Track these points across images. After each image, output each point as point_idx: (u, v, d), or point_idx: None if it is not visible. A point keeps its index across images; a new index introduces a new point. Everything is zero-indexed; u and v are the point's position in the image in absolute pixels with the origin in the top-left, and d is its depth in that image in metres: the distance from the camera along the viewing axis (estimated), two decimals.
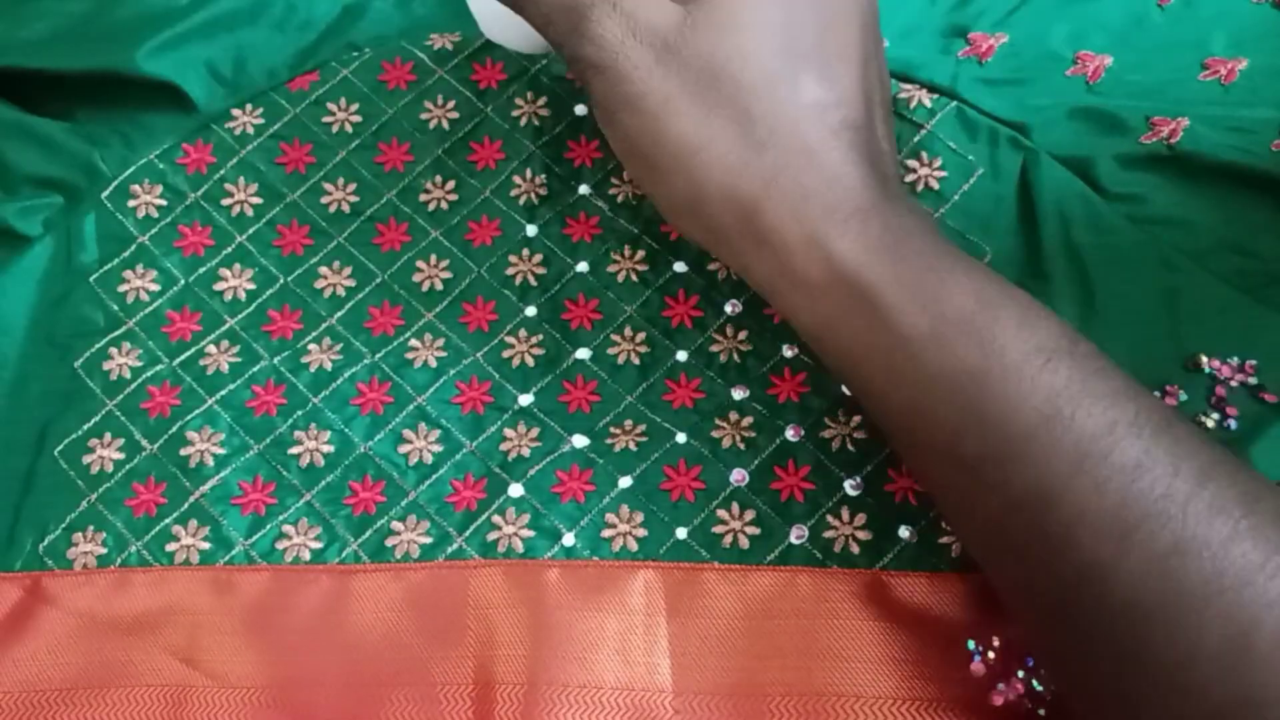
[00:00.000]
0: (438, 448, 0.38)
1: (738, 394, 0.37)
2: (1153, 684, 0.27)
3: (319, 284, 0.41)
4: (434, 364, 0.39)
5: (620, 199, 0.41)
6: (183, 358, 0.40)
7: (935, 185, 0.40)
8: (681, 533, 0.35)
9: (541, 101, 0.43)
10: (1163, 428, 0.28)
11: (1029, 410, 0.28)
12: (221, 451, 0.38)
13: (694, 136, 0.31)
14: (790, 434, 0.37)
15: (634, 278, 0.40)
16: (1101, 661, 0.28)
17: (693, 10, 0.31)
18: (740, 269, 0.33)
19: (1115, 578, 0.27)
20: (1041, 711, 0.31)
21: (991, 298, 0.29)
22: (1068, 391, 0.28)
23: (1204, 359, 0.36)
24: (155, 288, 0.41)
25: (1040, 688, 0.31)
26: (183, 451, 0.38)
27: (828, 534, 0.35)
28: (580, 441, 0.37)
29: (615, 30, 0.31)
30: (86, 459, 0.38)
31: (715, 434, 0.37)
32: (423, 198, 0.42)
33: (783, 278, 0.31)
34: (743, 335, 0.39)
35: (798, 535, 0.35)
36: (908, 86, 0.42)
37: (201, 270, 0.41)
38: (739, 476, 0.36)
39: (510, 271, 0.40)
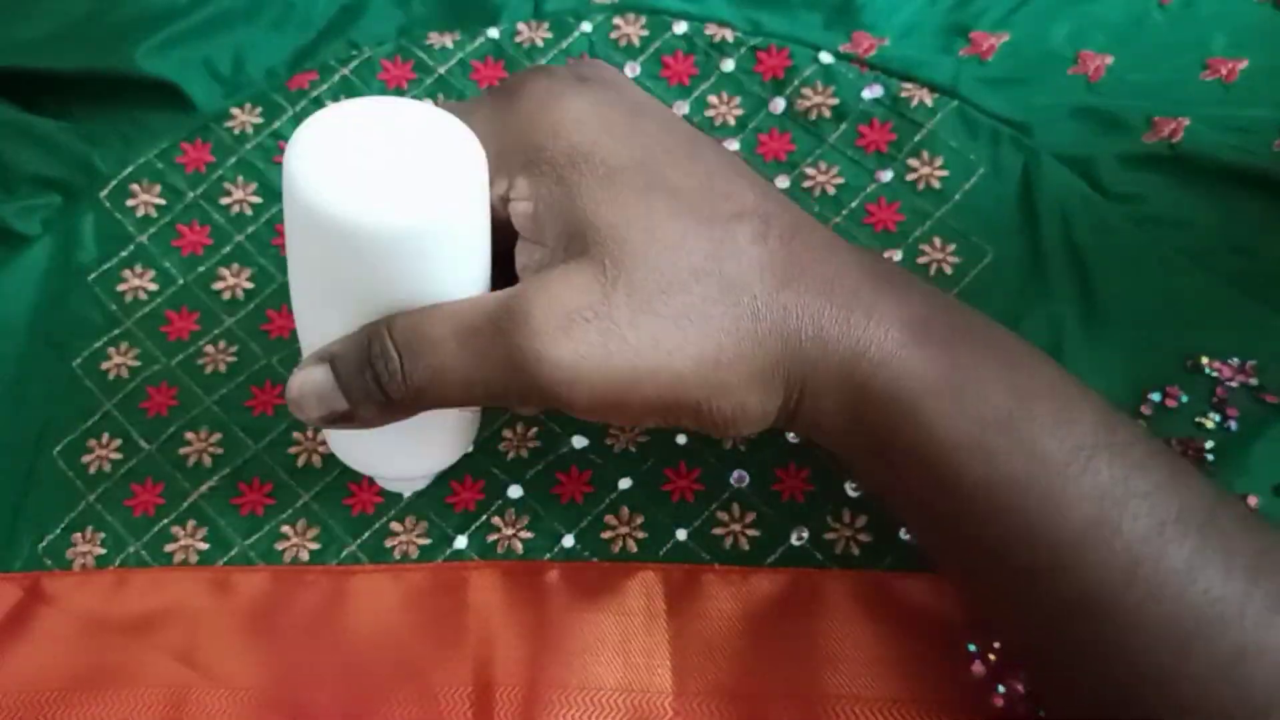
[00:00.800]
0: None
1: None
2: None
3: None
4: None
5: None
6: (181, 357, 0.40)
7: (936, 184, 0.40)
8: (681, 534, 0.35)
9: None
10: (1207, 521, 0.27)
11: (1077, 516, 0.27)
12: (220, 452, 0.38)
13: (705, 354, 0.28)
14: (791, 435, 0.36)
15: None
16: None
17: (597, 254, 0.28)
18: (795, 431, 0.31)
19: (1177, 684, 0.26)
20: (1041, 712, 0.31)
21: (1025, 390, 0.28)
22: (1113, 493, 0.27)
23: (1205, 360, 0.36)
24: (154, 287, 0.41)
25: None
26: (181, 452, 0.38)
27: (828, 536, 0.35)
28: (580, 442, 0.37)
29: (556, 332, 0.27)
30: (85, 459, 0.38)
31: None
32: None
33: (829, 420, 0.30)
34: None
35: (798, 537, 0.35)
36: (909, 85, 0.41)
37: (200, 269, 0.41)
38: (739, 478, 0.36)
39: None
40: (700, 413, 0.29)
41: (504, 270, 0.30)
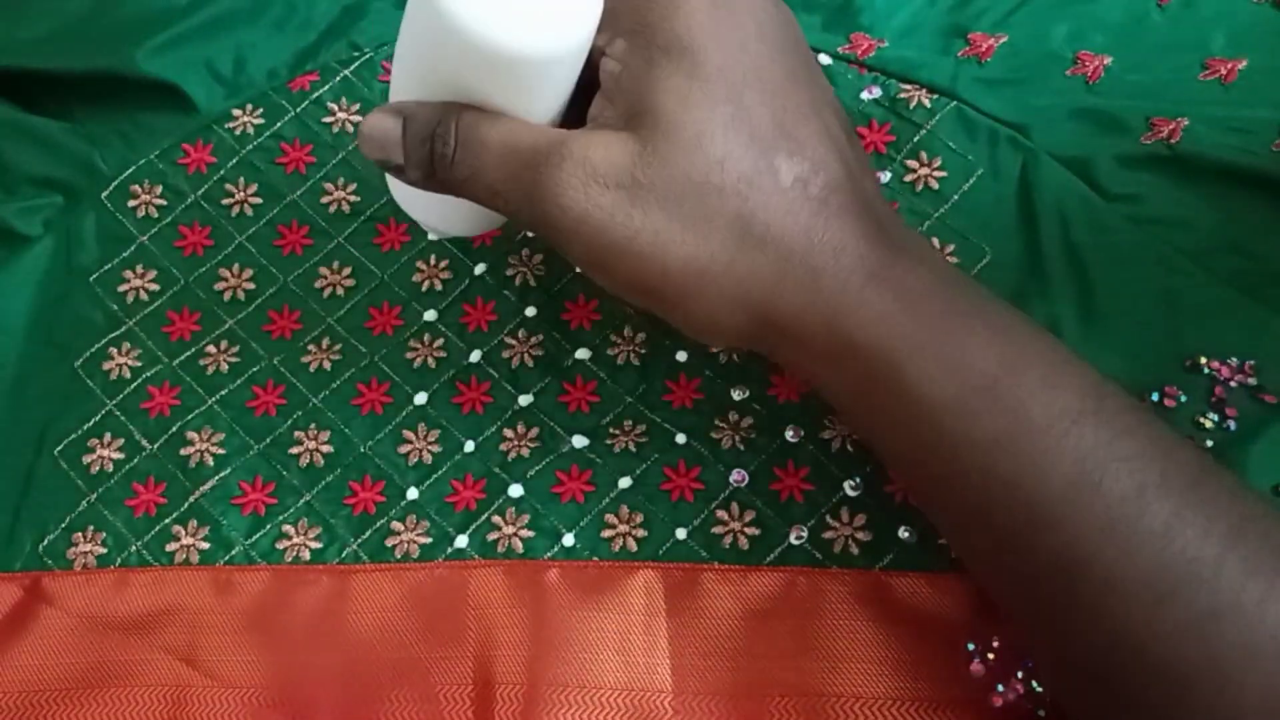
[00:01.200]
0: (437, 448, 0.38)
1: (737, 394, 0.37)
2: None
3: (319, 284, 0.41)
4: (433, 364, 0.39)
5: None
6: (183, 357, 0.40)
7: (935, 185, 0.40)
8: (681, 533, 0.35)
9: None
10: (1190, 486, 0.27)
11: (1057, 477, 0.27)
12: (221, 451, 0.38)
13: (697, 259, 0.29)
14: (790, 435, 0.37)
15: None
16: None
17: (646, 135, 0.30)
18: (766, 354, 0.32)
19: (1150, 643, 0.26)
20: (1041, 712, 0.31)
21: (1014, 359, 0.29)
22: (1094, 455, 0.27)
23: (1203, 360, 0.36)
24: (155, 288, 0.41)
25: (1040, 689, 0.31)
26: (183, 451, 0.38)
27: (827, 534, 0.35)
28: (580, 442, 0.37)
29: (576, 185, 0.29)
30: (86, 459, 0.38)
31: (715, 434, 0.37)
32: None
33: (808, 359, 0.30)
34: None
35: (797, 536, 0.35)
36: (907, 86, 0.42)
37: (202, 270, 0.41)
38: (739, 477, 0.36)
39: (510, 272, 0.40)
40: (672, 309, 0.31)
41: (578, 110, 0.32)
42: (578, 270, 0.40)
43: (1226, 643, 0.26)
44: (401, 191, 0.36)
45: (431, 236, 0.41)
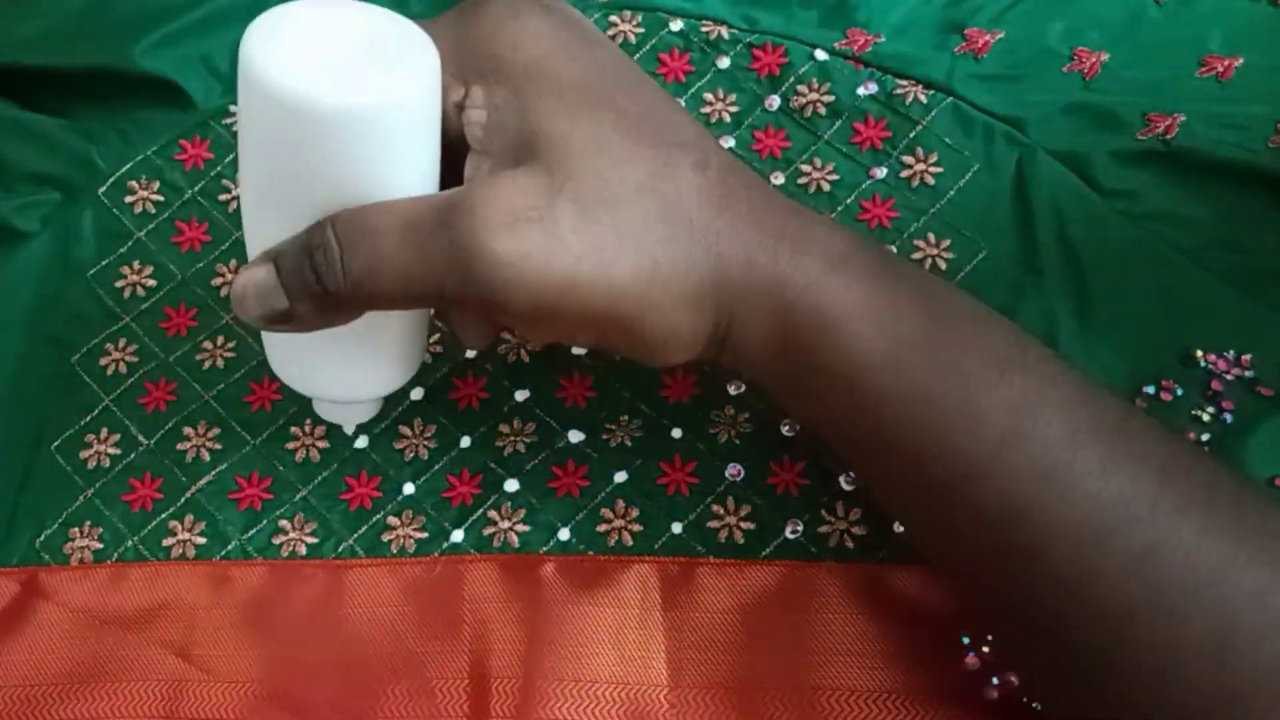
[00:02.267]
0: (433, 443, 0.38)
1: (733, 389, 0.37)
2: (1138, 684, 0.27)
3: None
4: (430, 359, 0.39)
5: None
6: (179, 353, 0.40)
7: (931, 181, 0.40)
8: (677, 527, 0.35)
9: None
10: (1118, 428, 0.28)
11: (990, 427, 0.28)
12: (218, 447, 0.38)
13: (643, 267, 0.28)
14: (785, 429, 0.37)
15: None
16: (1084, 667, 0.27)
17: (545, 160, 0.28)
18: (707, 359, 0.31)
19: (1093, 584, 0.27)
20: (1036, 705, 0.31)
21: (941, 314, 0.29)
22: (1025, 403, 0.28)
23: (1199, 353, 0.36)
24: (152, 283, 0.41)
25: None
26: (179, 447, 0.38)
27: (822, 529, 0.35)
28: (576, 437, 0.37)
29: (502, 228, 0.28)
30: (83, 454, 0.38)
31: (711, 429, 0.37)
32: None
33: (744, 340, 0.30)
34: None
35: (792, 530, 0.35)
36: (904, 82, 0.42)
37: (199, 266, 0.41)
38: (734, 471, 0.36)
39: None
40: (633, 330, 0.29)
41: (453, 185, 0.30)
42: None
43: (1166, 579, 0.26)
44: (289, 366, 0.33)
45: (349, 430, 0.37)
